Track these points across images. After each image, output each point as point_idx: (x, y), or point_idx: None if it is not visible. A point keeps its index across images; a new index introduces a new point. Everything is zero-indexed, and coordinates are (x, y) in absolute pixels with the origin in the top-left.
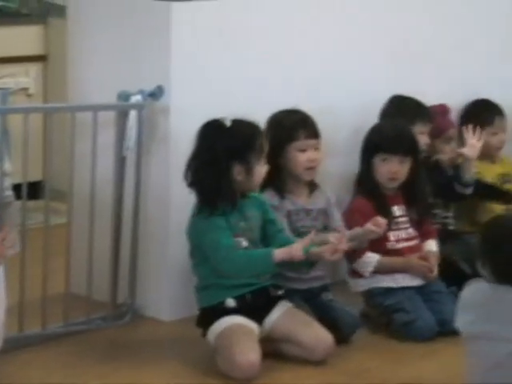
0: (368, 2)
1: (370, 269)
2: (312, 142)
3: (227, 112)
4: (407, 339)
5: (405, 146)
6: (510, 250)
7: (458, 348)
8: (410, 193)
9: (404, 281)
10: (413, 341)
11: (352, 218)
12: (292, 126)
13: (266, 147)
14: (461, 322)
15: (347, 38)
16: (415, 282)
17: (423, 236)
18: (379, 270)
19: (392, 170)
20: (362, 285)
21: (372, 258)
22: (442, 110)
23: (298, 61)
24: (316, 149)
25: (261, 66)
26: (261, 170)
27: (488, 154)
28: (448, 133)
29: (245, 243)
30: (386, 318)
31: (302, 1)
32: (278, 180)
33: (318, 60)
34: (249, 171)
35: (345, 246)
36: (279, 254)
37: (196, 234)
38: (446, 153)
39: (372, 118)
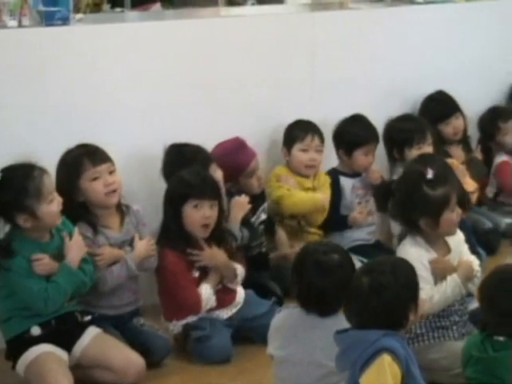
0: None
1: None
2: (102, 167)
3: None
4: (201, 360)
5: (213, 189)
6: (309, 278)
7: (268, 367)
8: (216, 235)
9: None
10: (208, 362)
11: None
12: (75, 160)
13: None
14: (271, 346)
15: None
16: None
17: None
18: None
19: (206, 214)
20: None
21: None
22: (238, 143)
23: (100, 93)
24: (111, 172)
25: (55, 100)
26: (49, 209)
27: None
28: (250, 167)
29: None
30: (184, 335)
31: (110, 32)
32: (89, 213)
33: (112, 92)
34: (34, 216)
35: None
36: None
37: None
38: (253, 185)
39: None
